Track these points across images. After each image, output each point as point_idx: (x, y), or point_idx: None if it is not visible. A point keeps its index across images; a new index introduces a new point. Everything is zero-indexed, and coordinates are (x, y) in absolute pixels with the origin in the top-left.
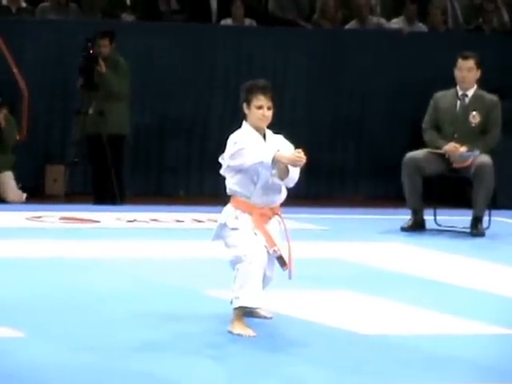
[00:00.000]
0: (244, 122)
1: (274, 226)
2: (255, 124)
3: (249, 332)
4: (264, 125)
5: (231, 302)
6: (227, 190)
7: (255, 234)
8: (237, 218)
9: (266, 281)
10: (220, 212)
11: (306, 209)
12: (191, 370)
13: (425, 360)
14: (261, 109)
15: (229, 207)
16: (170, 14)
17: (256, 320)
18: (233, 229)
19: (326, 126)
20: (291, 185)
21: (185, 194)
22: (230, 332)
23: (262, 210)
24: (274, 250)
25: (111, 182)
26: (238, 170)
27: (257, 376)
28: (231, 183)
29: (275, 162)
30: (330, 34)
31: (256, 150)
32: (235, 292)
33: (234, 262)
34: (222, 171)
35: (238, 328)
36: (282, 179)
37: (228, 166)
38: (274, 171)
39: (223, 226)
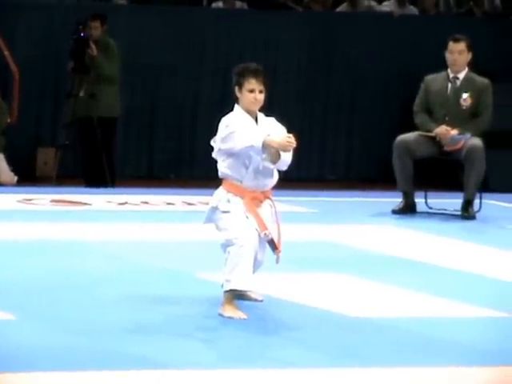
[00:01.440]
0: (236, 106)
1: (266, 209)
2: (247, 107)
3: (239, 315)
4: (256, 108)
5: (222, 285)
6: (219, 174)
7: (247, 217)
8: (229, 201)
9: (256, 264)
10: (211, 195)
11: (297, 191)
12: (182, 353)
13: (415, 342)
14: (252, 92)
15: (220, 190)
16: None
17: (247, 303)
18: (224, 212)
19: (317, 108)
20: (284, 168)
21: (175, 177)
22: (221, 315)
23: (253, 193)
24: (265, 234)
25: (102, 165)
26: (230, 154)
27: (247, 358)
28: (223, 167)
29: (265, 146)
30: (320, 17)
31: (246, 133)
32: (226, 275)
33: (225, 245)
34: (213, 154)
35: (229, 311)
36: (273, 163)
37: (219, 150)
38: (264, 155)
39: (215, 209)
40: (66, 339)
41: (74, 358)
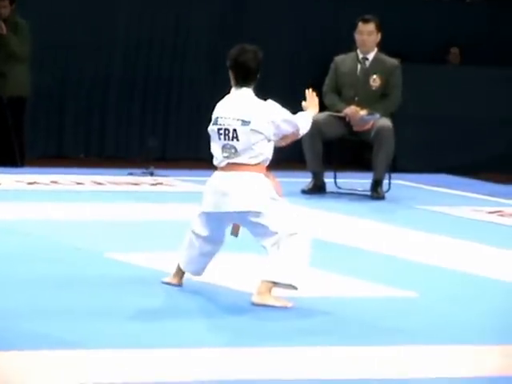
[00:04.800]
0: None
1: None
2: None
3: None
4: None
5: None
6: (263, 158)
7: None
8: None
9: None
10: (120, 175)
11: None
12: (90, 332)
13: (326, 322)
14: None
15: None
16: None
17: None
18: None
19: (225, 86)
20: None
21: (85, 157)
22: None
23: None
24: None
25: (11, 145)
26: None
27: (155, 337)
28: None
29: None
30: None
31: None
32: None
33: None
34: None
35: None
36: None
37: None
38: None
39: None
40: None
41: None
